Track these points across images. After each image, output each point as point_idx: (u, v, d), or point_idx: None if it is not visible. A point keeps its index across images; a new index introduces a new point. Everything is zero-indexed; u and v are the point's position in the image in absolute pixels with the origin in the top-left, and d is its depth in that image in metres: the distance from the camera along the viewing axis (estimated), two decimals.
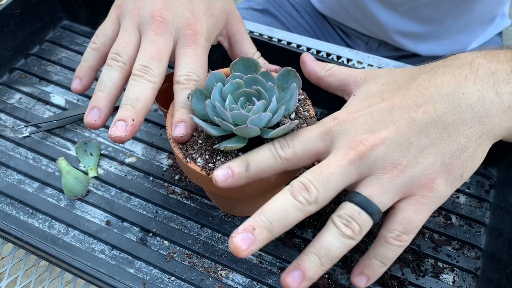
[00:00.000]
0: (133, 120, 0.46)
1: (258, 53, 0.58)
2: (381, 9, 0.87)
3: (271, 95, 0.47)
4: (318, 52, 0.78)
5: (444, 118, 0.39)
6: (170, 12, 0.50)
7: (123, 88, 0.50)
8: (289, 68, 0.49)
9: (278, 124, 0.48)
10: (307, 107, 0.51)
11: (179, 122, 0.47)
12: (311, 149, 0.43)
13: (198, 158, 0.47)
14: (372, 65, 0.76)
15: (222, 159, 0.47)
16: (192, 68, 0.50)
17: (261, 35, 0.80)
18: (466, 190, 0.62)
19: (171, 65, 0.74)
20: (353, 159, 0.39)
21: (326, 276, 0.53)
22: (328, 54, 0.78)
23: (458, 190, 0.62)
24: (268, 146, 0.44)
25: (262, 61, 0.57)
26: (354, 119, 0.42)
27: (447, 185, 0.40)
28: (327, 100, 0.68)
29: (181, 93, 0.48)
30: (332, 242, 0.38)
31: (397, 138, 0.39)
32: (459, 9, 0.83)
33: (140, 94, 0.46)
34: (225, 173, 0.42)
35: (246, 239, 0.37)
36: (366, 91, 0.47)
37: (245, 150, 0.47)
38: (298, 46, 0.79)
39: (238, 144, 0.45)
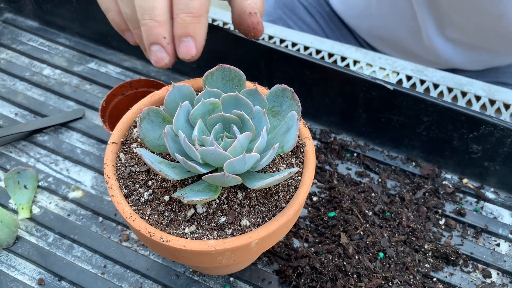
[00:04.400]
0: (164, 37, 0.36)
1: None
2: (443, 42, 0.70)
3: (260, 126, 0.33)
4: (318, 52, 0.64)
5: None
6: None
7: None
8: (284, 86, 0.35)
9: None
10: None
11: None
12: None
13: (148, 210, 0.33)
14: (384, 68, 0.62)
15: (186, 212, 0.33)
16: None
17: None
18: (509, 235, 0.47)
19: (131, 71, 0.59)
20: None
21: None
22: (331, 55, 0.64)
23: (497, 235, 0.47)
24: None
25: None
26: None
27: None
28: (330, 114, 0.53)
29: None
30: None
31: None
32: None
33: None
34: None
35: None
36: None
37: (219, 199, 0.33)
38: (294, 44, 0.64)
39: (208, 196, 0.31)
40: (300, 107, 0.34)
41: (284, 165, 0.35)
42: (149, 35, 0.36)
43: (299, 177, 0.35)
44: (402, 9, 0.71)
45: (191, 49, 0.37)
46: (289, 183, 0.35)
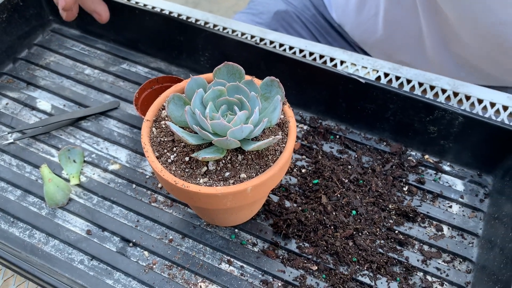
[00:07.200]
0: None
1: None
2: (447, 57, 0.81)
3: (254, 106, 0.45)
4: (311, 54, 0.76)
5: None
6: None
7: None
8: (273, 78, 0.47)
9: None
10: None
11: None
12: None
13: (174, 167, 0.46)
14: (366, 67, 0.74)
15: (200, 169, 0.45)
16: None
17: (252, 37, 0.78)
18: (460, 199, 0.59)
19: (157, 70, 0.72)
20: None
21: None
22: (322, 56, 0.76)
23: (451, 199, 0.59)
24: None
25: None
26: None
27: None
28: (317, 104, 0.66)
29: None
30: None
31: None
32: None
33: None
34: None
35: None
36: None
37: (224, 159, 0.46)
38: (291, 48, 0.77)
39: (216, 155, 0.44)
40: (284, 93, 0.47)
41: (272, 136, 0.48)
42: None
43: (284, 145, 0.47)
44: (409, 24, 0.80)
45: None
46: (276, 149, 0.47)
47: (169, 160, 0.46)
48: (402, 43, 0.84)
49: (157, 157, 0.46)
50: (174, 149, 0.47)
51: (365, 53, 0.93)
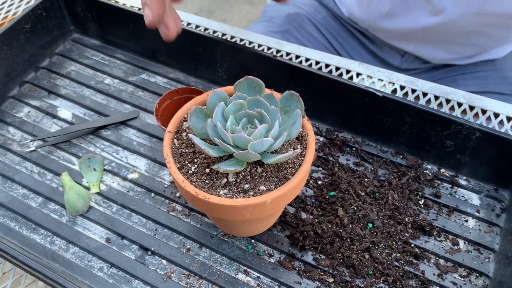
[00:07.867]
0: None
1: None
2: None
3: (274, 119, 0.46)
4: (327, 65, 0.77)
5: None
6: None
7: None
8: (292, 92, 0.48)
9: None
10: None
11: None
12: None
13: (194, 178, 0.47)
14: (382, 79, 0.74)
15: (220, 181, 0.46)
16: None
17: (269, 48, 0.79)
18: (476, 213, 0.59)
19: (175, 81, 0.73)
20: None
21: None
22: (338, 68, 0.76)
23: (467, 213, 0.59)
24: None
25: None
26: None
27: None
28: (334, 116, 0.66)
29: None
30: None
31: None
32: None
33: None
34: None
35: None
36: None
37: (243, 172, 0.47)
38: (307, 59, 0.78)
39: (237, 167, 0.45)
40: (303, 107, 0.47)
41: (291, 149, 0.48)
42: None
43: (302, 158, 0.48)
44: None
45: (148, 14, 0.49)
46: (295, 162, 0.48)
47: (190, 171, 0.47)
48: (409, 19, 0.83)
49: (179, 168, 0.47)
50: (195, 160, 0.48)
51: (377, 47, 0.92)
